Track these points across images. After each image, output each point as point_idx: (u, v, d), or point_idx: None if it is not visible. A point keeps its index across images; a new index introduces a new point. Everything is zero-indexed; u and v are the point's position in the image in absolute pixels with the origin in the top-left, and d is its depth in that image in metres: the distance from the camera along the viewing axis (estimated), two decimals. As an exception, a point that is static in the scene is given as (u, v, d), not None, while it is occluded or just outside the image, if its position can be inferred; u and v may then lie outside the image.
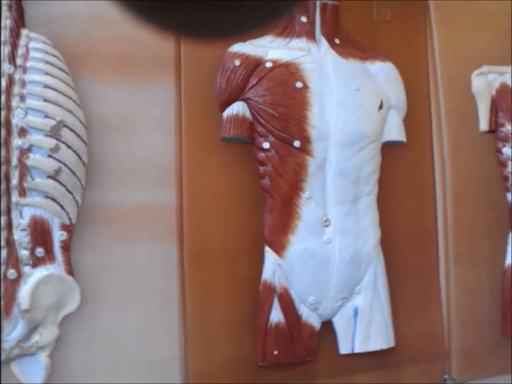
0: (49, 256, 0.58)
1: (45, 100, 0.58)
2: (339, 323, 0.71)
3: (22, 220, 0.57)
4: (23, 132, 0.58)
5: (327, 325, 0.71)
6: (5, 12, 0.60)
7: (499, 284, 0.82)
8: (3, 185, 0.57)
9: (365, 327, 0.71)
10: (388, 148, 0.77)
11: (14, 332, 0.57)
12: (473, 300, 0.80)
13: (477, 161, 0.83)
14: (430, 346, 0.78)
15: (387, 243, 0.74)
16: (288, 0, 0.19)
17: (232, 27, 0.19)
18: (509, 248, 0.82)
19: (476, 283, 0.81)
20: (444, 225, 0.81)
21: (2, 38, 0.59)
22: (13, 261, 0.57)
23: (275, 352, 0.66)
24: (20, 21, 0.61)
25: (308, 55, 0.71)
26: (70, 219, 0.60)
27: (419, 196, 0.80)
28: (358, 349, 0.70)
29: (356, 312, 0.71)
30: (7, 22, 0.60)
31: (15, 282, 0.57)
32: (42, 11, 0.63)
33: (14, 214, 0.57)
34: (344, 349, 0.71)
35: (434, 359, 0.78)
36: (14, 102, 0.58)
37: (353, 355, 0.71)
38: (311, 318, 0.69)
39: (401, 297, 0.76)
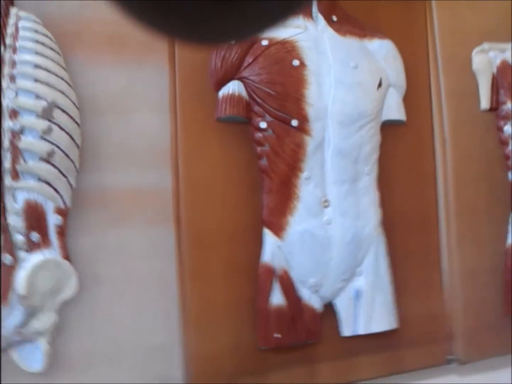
0: (45, 241, 0.57)
1: (36, 80, 0.57)
2: (340, 305, 0.70)
3: (16, 204, 0.56)
4: (14, 114, 0.56)
5: (329, 307, 0.70)
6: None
7: (501, 264, 0.81)
8: (-4, 169, 0.56)
9: (367, 308, 0.70)
10: (388, 128, 0.75)
11: (12, 318, 0.56)
12: (476, 280, 0.80)
13: (478, 140, 0.82)
14: (433, 327, 0.77)
15: (388, 224, 0.73)
16: (289, 4, 0.18)
17: (232, 32, 0.19)
18: (510, 228, 0.81)
19: (478, 263, 0.80)
20: (445, 205, 0.80)
21: (-9, 19, 0.58)
22: (8, 246, 0.56)
23: (277, 335, 0.65)
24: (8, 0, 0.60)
25: (305, 33, 0.69)
26: (64, 203, 0.59)
27: (419, 176, 0.79)
28: (360, 331, 0.70)
29: (357, 294, 0.70)
30: (-5, 3, 0.59)
31: (11, 268, 0.56)
32: (32, -9, 0.61)
33: (8, 198, 0.56)
34: (346, 331, 0.70)
35: (437, 340, 0.78)
36: (4, 83, 0.56)
37: (355, 337, 0.70)
38: (312, 300, 0.68)
39: (404, 278, 0.75)
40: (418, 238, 0.78)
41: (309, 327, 0.68)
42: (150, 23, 0.19)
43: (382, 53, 0.75)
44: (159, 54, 0.66)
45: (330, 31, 0.72)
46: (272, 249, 0.66)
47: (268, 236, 0.67)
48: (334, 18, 0.73)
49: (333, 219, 0.68)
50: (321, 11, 0.72)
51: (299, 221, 0.67)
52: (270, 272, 0.66)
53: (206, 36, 0.19)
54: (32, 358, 0.57)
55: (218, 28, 0.18)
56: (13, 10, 0.58)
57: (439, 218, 0.80)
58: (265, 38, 0.67)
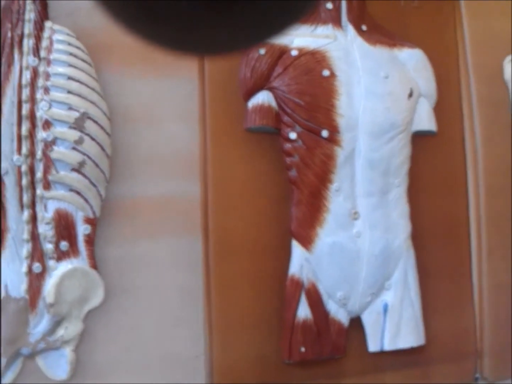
0: (73, 250, 0.58)
1: (69, 92, 0.57)
2: (368, 319, 0.68)
3: (46, 213, 0.57)
4: (47, 124, 0.57)
5: (356, 322, 0.69)
6: (29, 5, 0.59)
7: (535, 279, 0.78)
8: (28, 179, 0.56)
9: (394, 323, 0.68)
10: (418, 138, 0.74)
11: (40, 326, 0.57)
12: (507, 295, 0.77)
13: (510, 151, 0.80)
14: (461, 343, 0.75)
15: (417, 237, 0.72)
16: (288, 12, 0.18)
17: (225, 43, 0.18)
18: (545, 242, 0.78)
19: (510, 278, 0.78)
20: (476, 218, 0.77)
21: (26, 31, 0.59)
22: (38, 254, 0.57)
23: (302, 349, 0.64)
24: (43, 13, 0.60)
25: (335, 43, 0.69)
26: (94, 212, 0.59)
27: (450, 188, 0.77)
28: (387, 346, 0.68)
29: (385, 308, 0.68)
30: (31, 15, 0.60)
31: (40, 276, 0.57)
32: (65, 3, 0.62)
33: (39, 207, 0.57)
34: (373, 346, 0.68)
35: (465, 358, 0.75)
36: (39, 94, 0.57)
37: (382, 353, 0.69)
38: (339, 314, 0.67)
39: (432, 292, 0.73)
40: (448, 252, 0.76)
41: (335, 342, 0.66)
42: (139, 31, 0.18)
43: (412, 62, 0.74)
44: (189, 64, 0.66)
45: (359, 40, 0.71)
46: (300, 261, 0.65)
47: (297, 248, 0.66)
48: (364, 27, 0.72)
49: (363, 232, 0.67)
50: (350, 20, 0.71)
51: (328, 233, 0.66)
52: (297, 284, 0.65)
53: (198, 46, 0.19)
54: (57, 366, 0.58)
55: (211, 38, 0.18)
56: (47, 24, 0.59)
57: (470, 231, 0.78)
58: (294, 48, 0.67)
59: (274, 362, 0.65)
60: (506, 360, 0.76)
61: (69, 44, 0.59)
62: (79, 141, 0.57)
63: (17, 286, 0.56)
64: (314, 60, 0.66)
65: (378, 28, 0.74)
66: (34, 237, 0.57)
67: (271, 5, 0.17)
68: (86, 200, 0.58)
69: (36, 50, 0.58)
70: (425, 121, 0.73)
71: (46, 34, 0.59)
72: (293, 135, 0.65)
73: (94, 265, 0.59)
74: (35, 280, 0.57)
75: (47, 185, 0.57)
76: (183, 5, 0.16)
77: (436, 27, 0.80)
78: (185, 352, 0.63)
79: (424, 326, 0.70)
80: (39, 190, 0.57)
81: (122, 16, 0.17)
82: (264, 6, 0.16)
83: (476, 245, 0.77)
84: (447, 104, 0.78)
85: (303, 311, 0.65)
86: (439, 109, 0.76)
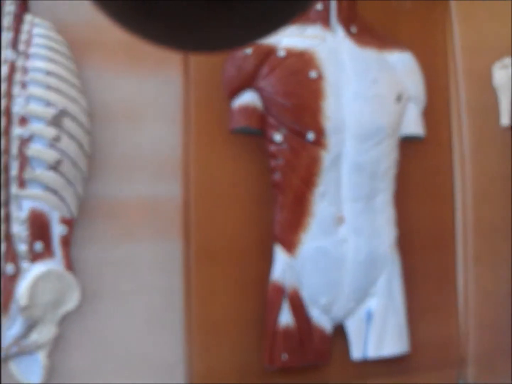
0: (48, 251, 0.56)
1: (47, 87, 0.56)
2: (351, 326, 0.67)
3: (21, 212, 0.55)
4: (24, 121, 0.55)
5: (340, 329, 0.68)
6: (9, -3, 0.57)
7: (519, 287, 0.78)
8: (3, 176, 0.54)
9: (378, 331, 0.67)
10: (406, 143, 0.73)
11: (12, 329, 0.55)
12: (492, 303, 0.77)
13: (499, 158, 0.80)
14: (446, 350, 0.75)
15: (403, 243, 0.71)
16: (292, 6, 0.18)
17: (240, 36, 0.18)
18: (531, 250, 0.78)
19: (496, 285, 0.77)
20: (463, 225, 0.77)
21: (5, 24, 0.57)
22: (12, 255, 0.55)
23: (284, 356, 0.63)
24: (23, 6, 0.59)
25: (323, 44, 0.67)
26: (71, 212, 0.57)
27: (437, 194, 0.76)
28: (371, 354, 0.67)
29: (369, 316, 0.67)
30: (10, 8, 0.58)
31: (13, 278, 0.55)
32: (47, -4, 0.60)
33: (14, 207, 0.55)
34: (356, 354, 0.67)
35: (449, 365, 0.75)
36: (16, 90, 0.55)
37: (366, 361, 0.68)
38: (322, 321, 0.65)
39: (417, 300, 0.72)
40: (434, 258, 0.75)
41: (318, 349, 0.65)
42: (132, 27, 0.18)
43: (402, 66, 0.73)
44: (173, 62, 0.65)
45: (349, 42, 0.70)
46: (282, 266, 0.64)
47: (279, 253, 0.64)
48: (353, 29, 0.71)
49: (347, 237, 0.66)
50: (340, 21, 0.70)
51: (312, 238, 0.64)
52: (279, 290, 0.64)
53: (192, 43, 0.18)
54: (30, 370, 0.56)
55: (205, 35, 0.18)
56: (27, 17, 0.57)
57: (456, 237, 0.77)
58: (282, 49, 0.66)
59: (255, 368, 0.64)
60: (490, 367, 0.76)
61: (49, 38, 0.57)
62: (57, 139, 0.55)
63: (-12, 288, 0.54)
64: (302, 61, 0.65)
65: (368, 30, 0.73)
66: (8, 237, 0.55)
67: (266, 4, 0.16)
68: (62, 200, 0.56)
69: (14, 44, 0.56)
70: (413, 125, 0.73)
71: (25, 27, 0.57)
72: (278, 138, 0.64)
73: (70, 267, 0.57)
74: (8, 282, 0.55)
75: (22, 184, 0.55)
76: (182, 4, 0.16)
77: (427, 30, 0.79)
78: (164, 357, 0.62)
79: (408, 333, 0.69)
80: (14, 189, 0.55)
81: (112, 10, 0.17)
82: (260, 5, 0.16)
83: (462, 252, 0.77)
84: (435, 109, 0.77)
85: (285, 317, 0.63)
86: (427, 114, 0.75)
